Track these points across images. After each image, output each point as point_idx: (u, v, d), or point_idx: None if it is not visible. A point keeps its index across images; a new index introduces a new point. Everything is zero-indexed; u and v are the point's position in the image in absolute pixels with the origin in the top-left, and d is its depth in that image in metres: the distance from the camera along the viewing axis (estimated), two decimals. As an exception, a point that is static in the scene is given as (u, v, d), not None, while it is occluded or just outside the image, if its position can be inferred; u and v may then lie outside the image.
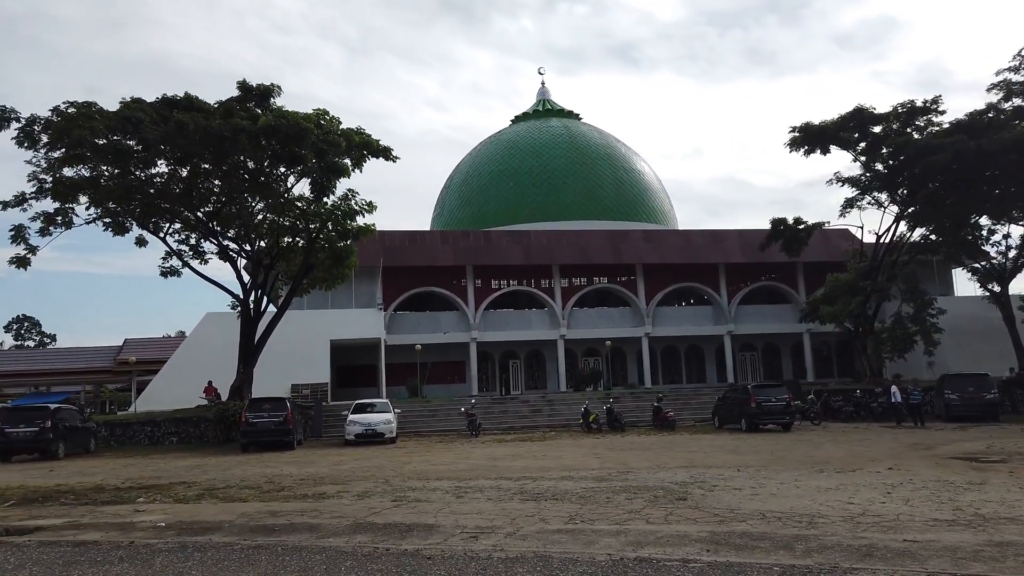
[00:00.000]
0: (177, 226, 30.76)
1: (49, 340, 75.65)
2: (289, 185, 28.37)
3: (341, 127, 25.92)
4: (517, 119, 64.46)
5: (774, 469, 14.18)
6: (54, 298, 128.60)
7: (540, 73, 70.03)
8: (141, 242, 30.77)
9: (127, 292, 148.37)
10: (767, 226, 38.07)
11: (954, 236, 33.37)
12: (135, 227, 29.61)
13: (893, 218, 34.77)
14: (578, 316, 46.07)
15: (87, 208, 27.73)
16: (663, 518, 8.76)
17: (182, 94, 24.45)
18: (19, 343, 73.89)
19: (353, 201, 28.08)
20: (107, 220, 28.57)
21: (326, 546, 7.67)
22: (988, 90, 32.06)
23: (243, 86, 25.29)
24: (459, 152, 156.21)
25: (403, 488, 12.53)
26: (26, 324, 76.31)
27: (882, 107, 32.98)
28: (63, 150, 25.25)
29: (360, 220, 28.84)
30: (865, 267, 34.91)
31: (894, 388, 27.16)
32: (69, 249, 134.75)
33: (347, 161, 25.21)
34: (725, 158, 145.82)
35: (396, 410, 26.15)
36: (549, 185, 54.93)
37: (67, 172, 26.27)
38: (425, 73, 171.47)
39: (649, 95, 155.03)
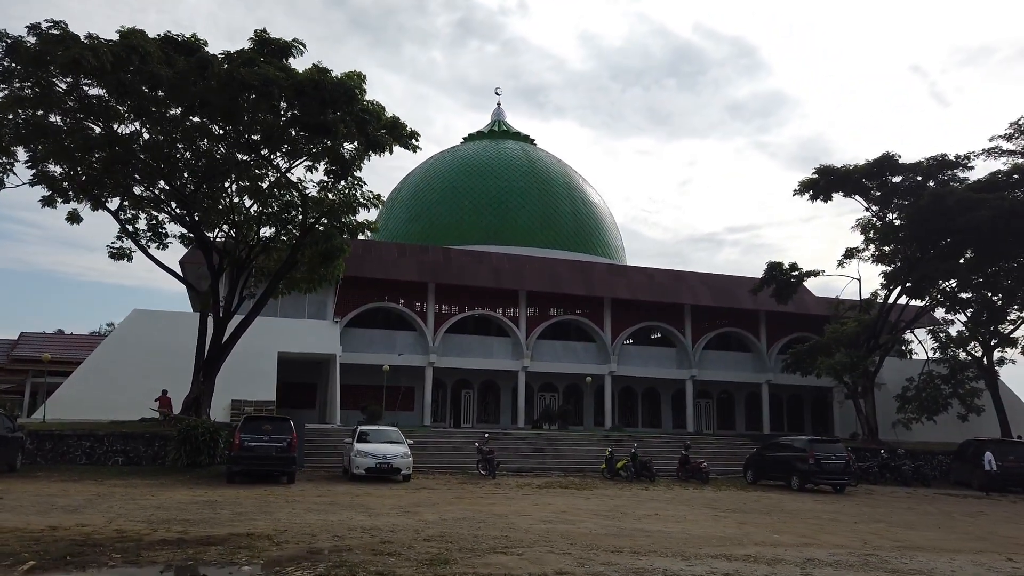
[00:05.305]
0: (126, 202, 25.70)
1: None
2: (285, 165, 23.90)
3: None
4: (470, 137, 61.34)
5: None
6: None
7: (497, 93, 66.41)
8: (74, 218, 25.40)
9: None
10: (727, 271, 36.49)
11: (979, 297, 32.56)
12: (72, 197, 24.44)
13: (892, 272, 33.70)
14: (542, 348, 42.93)
15: (27, 166, 22.43)
16: None
17: (189, 35, 19.63)
18: None
19: (359, 192, 23.89)
20: (44, 184, 23.31)
21: None
22: (978, 155, 31.67)
23: (260, 38, 20.50)
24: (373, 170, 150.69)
25: (621, 570, 8.85)
26: None
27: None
28: (19, 83, 19.85)
29: (362, 214, 24.73)
30: (870, 320, 33.54)
31: (988, 455, 24.85)
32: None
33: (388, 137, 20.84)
34: (620, 207, 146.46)
35: (409, 441, 21.85)
36: (506, 208, 51.91)
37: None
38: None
39: (554, 140, 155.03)
